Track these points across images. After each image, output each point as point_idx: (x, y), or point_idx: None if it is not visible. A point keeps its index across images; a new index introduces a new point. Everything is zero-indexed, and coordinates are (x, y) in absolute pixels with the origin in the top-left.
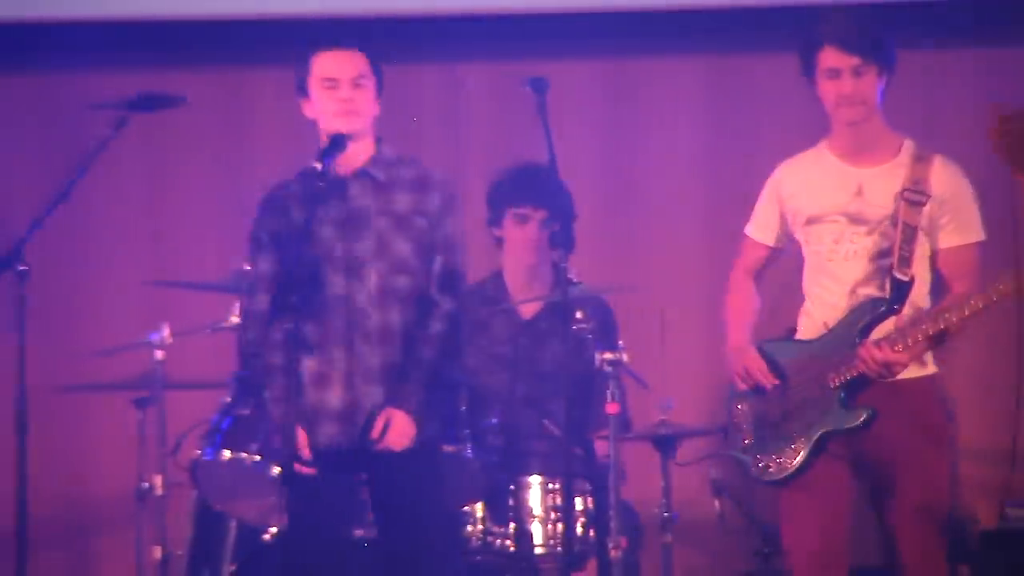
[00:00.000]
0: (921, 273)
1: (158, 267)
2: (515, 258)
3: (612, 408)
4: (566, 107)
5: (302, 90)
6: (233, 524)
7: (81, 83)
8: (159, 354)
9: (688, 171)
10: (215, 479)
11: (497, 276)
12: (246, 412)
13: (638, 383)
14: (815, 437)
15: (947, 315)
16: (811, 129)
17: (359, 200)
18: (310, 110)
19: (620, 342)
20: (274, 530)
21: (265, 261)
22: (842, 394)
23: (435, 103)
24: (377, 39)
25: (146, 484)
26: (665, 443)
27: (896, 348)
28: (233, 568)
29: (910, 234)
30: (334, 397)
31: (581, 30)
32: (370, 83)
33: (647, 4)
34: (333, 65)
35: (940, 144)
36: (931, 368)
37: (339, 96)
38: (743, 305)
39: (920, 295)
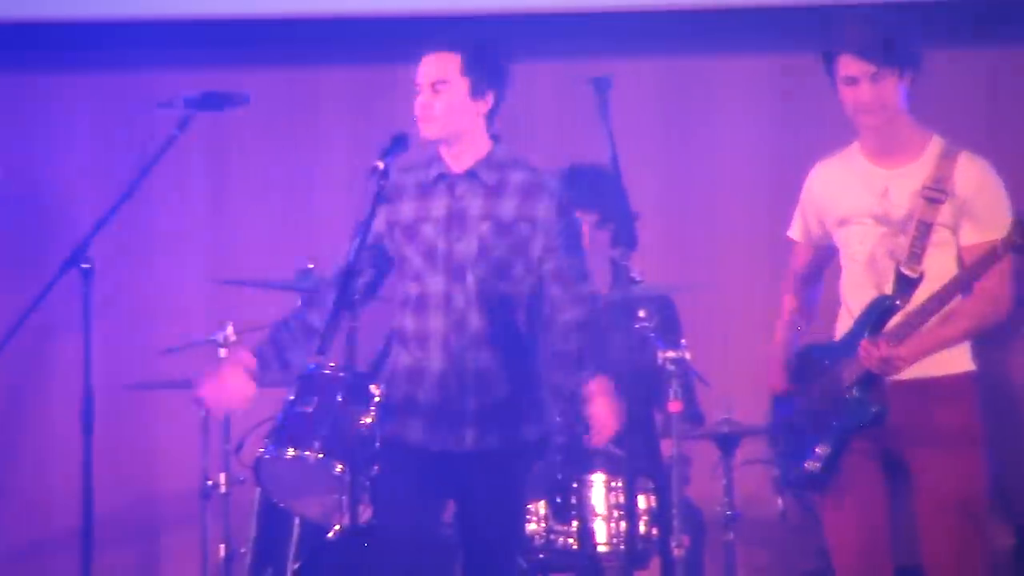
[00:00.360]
0: (937, 270)
1: (221, 266)
2: None
3: (674, 407)
4: (630, 106)
5: None
6: (297, 522)
7: (146, 82)
8: (223, 352)
9: (752, 170)
10: (278, 477)
11: None
12: (309, 410)
13: (700, 381)
14: (835, 435)
15: (930, 307)
16: None
17: (464, 201)
18: None
19: (683, 340)
20: (338, 527)
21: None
22: (855, 391)
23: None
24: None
25: (210, 482)
26: (727, 442)
27: (892, 344)
28: (296, 566)
29: (924, 231)
30: (424, 395)
31: (644, 29)
32: (454, 87)
33: (710, 4)
34: (418, 69)
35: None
36: (966, 366)
37: (418, 102)
38: (784, 308)
39: (924, 291)
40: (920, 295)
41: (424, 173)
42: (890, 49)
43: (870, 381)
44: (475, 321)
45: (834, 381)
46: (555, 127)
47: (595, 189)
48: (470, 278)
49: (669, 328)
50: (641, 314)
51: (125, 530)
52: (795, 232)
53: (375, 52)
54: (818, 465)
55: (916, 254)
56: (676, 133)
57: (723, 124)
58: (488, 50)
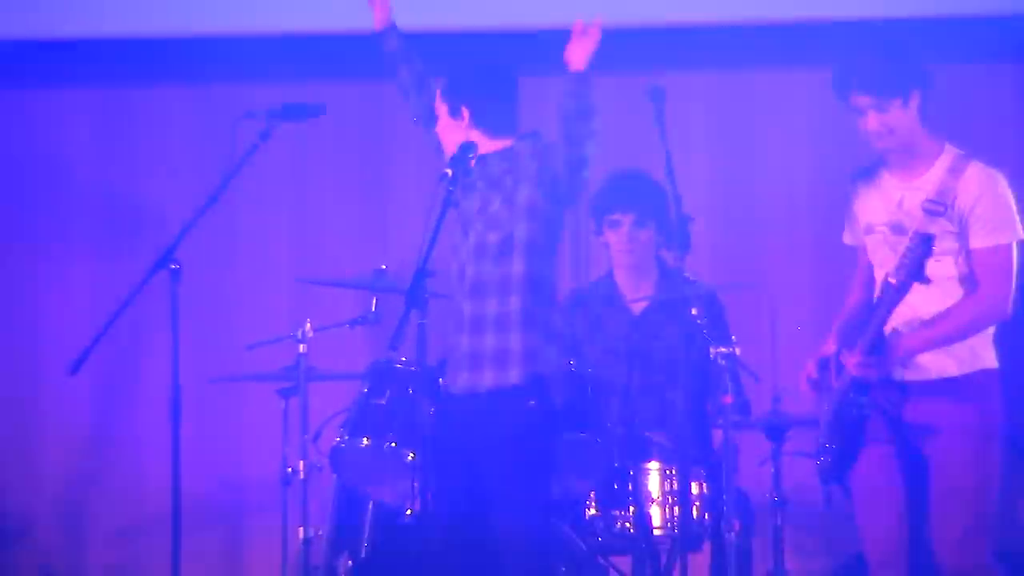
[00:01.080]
0: (937, 278)
1: (301, 267)
2: (617, 260)
3: (726, 399)
4: (683, 116)
5: None
6: (371, 506)
7: (232, 94)
8: (302, 347)
9: (798, 177)
10: (353, 464)
11: (609, 277)
12: (382, 402)
13: (749, 375)
14: (837, 432)
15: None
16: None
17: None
18: None
19: (732, 336)
20: (409, 511)
21: None
22: (851, 393)
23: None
24: (501, 53)
25: (290, 469)
26: (776, 431)
27: (866, 352)
28: (369, 547)
29: (921, 245)
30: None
31: (701, 42)
32: (440, 113)
33: (764, 18)
34: None
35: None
36: (984, 364)
37: None
38: (845, 307)
39: (926, 298)
40: (924, 303)
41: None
42: (889, 79)
43: (861, 384)
44: (470, 272)
45: (842, 382)
46: (616, 136)
47: (631, 192)
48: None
49: (719, 325)
50: (693, 312)
51: (211, 514)
52: (846, 237)
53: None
54: (828, 459)
55: (907, 266)
56: (726, 142)
57: (767, 132)
58: (457, 74)
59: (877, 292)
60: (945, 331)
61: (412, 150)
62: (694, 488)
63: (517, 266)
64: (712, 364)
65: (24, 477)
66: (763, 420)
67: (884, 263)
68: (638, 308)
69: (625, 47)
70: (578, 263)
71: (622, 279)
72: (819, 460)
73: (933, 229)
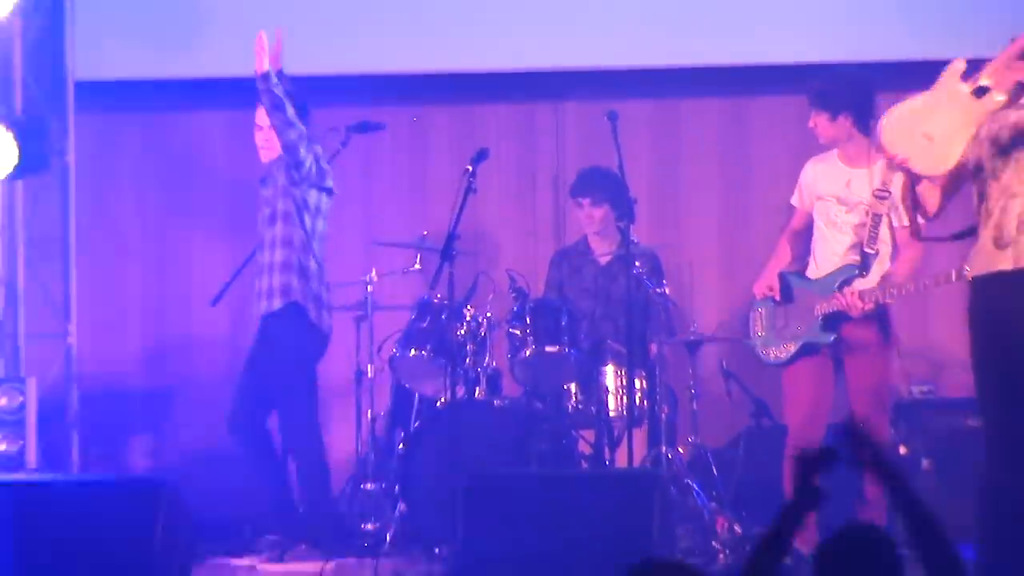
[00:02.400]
0: (885, 245)
1: (369, 233)
2: (587, 228)
3: (658, 325)
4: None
5: None
6: (416, 396)
7: (321, 116)
8: (369, 288)
9: (709, 181)
10: (404, 368)
11: (584, 239)
12: (424, 325)
13: (676, 307)
14: (801, 344)
15: (892, 291)
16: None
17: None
18: None
19: (664, 282)
20: (443, 399)
21: None
22: (822, 321)
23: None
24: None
25: (362, 370)
26: (693, 346)
27: (861, 299)
28: (417, 424)
29: (876, 220)
30: None
31: (702, 77)
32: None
33: (753, 62)
34: None
35: None
36: (885, 302)
37: None
38: (777, 257)
39: (884, 259)
40: (876, 267)
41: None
42: (821, 99)
43: (835, 316)
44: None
45: (809, 307)
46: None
47: (591, 183)
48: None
49: (656, 274)
50: (637, 264)
51: None
52: (795, 200)
53: (468, 95)
54: (784, 356)
55: (872, 237)
56: (657, 162)
57: (754, 145)
58: None
59: (836, 256)
60: (907, 272)
61: (444, 153)
62: (637, 383)
63: (278, 230)
64: (650, 299)
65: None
66: (683, 339)
67: (828, 224)
68: (603, 261)
69: (638, 82)
70: (559, 232)
71: (592, 241)
72: (778, 354)
73: (882, 208)
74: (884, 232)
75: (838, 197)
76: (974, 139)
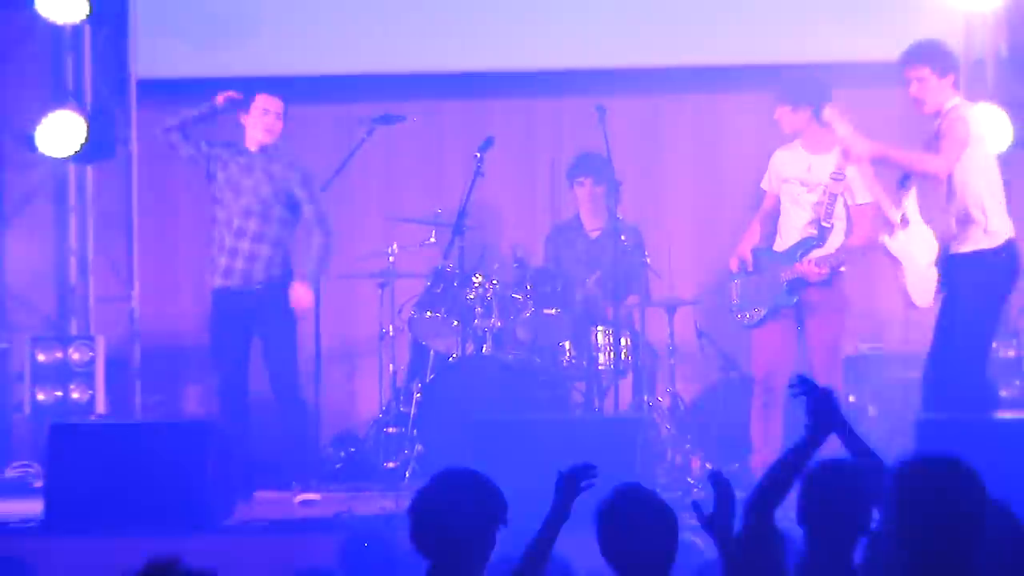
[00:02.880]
0: (839, 221)
1: (389, 207)
2: (582, 206)
3: (640, 291)
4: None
5: None
6: (432, 352)
7: (351, 110)
8: (391, 258)
9: (685, 166)
10: (421, 327)
11: (576, 216)
12: (439, 291)
13: (656, 275)
14: (769, 308)
15: (844, 257)
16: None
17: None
18: None
19: (646, 253)
20: (455, 354)
21: None
22: (786, 285)
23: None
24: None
25: (385, 329)
26: (671, 308)
27: (817, 266)
28: (432, 376)
29: (832, 199)
30: None
31: (684, 76)
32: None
33: (728, 62)
34: None
35: None
36: (840, 270)
37: None
38: (749, 235)
39: (840, 234)
40: (833, 237)
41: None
42: (783, 94)
43: (798, 282)
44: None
45: (775, 275)
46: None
47: (588, 165)
48: None
49: (639, 246)
50: (623, 238)
51: (338, 356)
52: (764, 184)
53: (477, 91)
54: (756, 319)
55: (828, 213)
56: (639, 159)
57: (730, 136)
58: None
59: (794, 231)
60: (861, 243)
61: (456, 141)
62: (622, 341)
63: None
64: (634, 268)
65: None
66: (663, 300)
67: (792, 203)
68: (594, 235)
69: (633, 80)
70: (555, 210)
71: (585, 217)
72: (753, 315)
73: (837, 189)
74: (839, 209)
75: (800, 179)
76: None
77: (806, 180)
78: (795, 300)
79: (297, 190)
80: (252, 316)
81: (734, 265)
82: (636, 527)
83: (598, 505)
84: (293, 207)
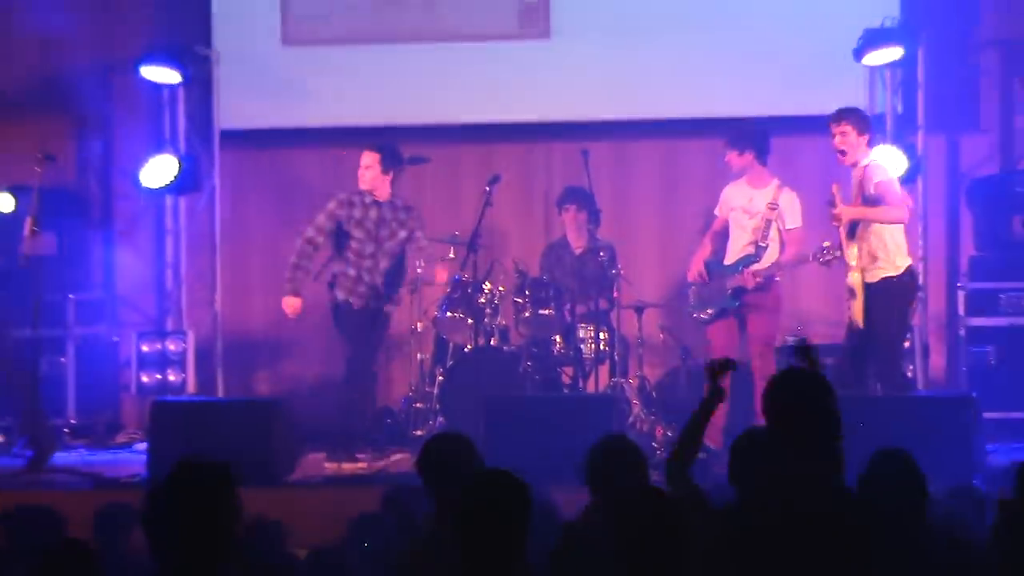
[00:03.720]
0: (773, 242)
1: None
2: (568, 228)
3: (615, 295)
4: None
5: None
6: (451, 344)
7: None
8: (420, 270)
9: (651, 197)
10: (443, 324)
11: (564, 236)
12: (457, 296)
13: (627, 283)
14: (718, 309)
15: (777, 270)
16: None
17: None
18: None
19: (619, 266)
20: (469, 346)
21: None
22: (730, 292)
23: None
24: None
25: (414, 326)
26: (639, 310)
27: (754, 276)
28: (451, 363)
29: (767, 224)
30: None
31: (648, 127)
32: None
33: (686, 115)
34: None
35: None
36: (775, 279)
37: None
38: (702, 250)
39: (773, 252)
40: (767, 256)
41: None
42: (732, 140)
43: (740, 289)
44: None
45: (723, 284)
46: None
47: (574, 196)
48: None
49: (613, 261)
50: (601, 254)
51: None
52: (717, 211)
53: (486, 138)
54: (708, 317)
55: (764, 235)
56: (615, 196)
57: (683, 173)
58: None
59: (737, 252)
60: (791, 259)
61: (470, 178)
62: (601, 335)
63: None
64: (610, 278)
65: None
66: (633, 303)
67: (737, 227)
68: (578, 251)
69: (608, 130)
70: (548, 232)
71: (571, 237)
72: (705, 315)
73: (772, 216)
74: (774, 232)
75: (743, 208)
76: None
77: (747, 209)
78: (738, 303)
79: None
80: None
81: (691, 276)
82: (616, 461)
83: (589, 448)
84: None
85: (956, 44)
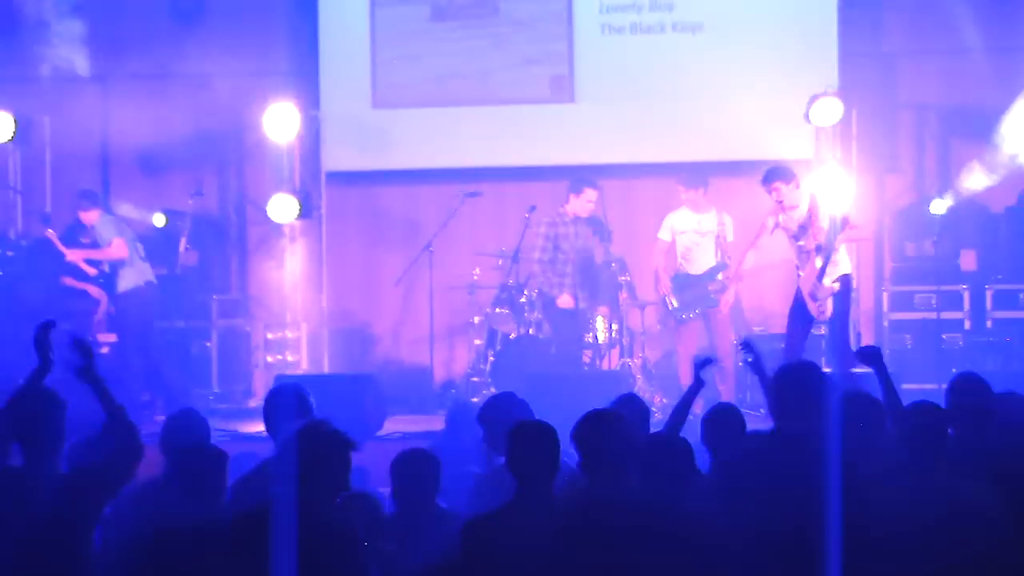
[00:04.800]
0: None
1: (477, 246)
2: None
3: (623, 295)
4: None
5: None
6: (499, 333)
7: (453, 188)
8: (476, 276)
9: (646, 226)
10: (494, 318)
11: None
12: (504, 296)
13: (633, 286)
14: (701, 309)
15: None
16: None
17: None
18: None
19: (628, 273)
20: (513, 335)
21: None
22: (712, 294)
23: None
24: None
25: (472, 319)
26: (642, 306)
27: (734, 278)
28: (500, 347)
29: (722, 239)
30: None
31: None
32: None
33: (645, 160)
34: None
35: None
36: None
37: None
38: (664, 270)
39: (704, 262)
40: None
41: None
42: (685, 181)
43: (719, 291)
44: None
45: (704, 288)
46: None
47: (596, 223)
48: None
49: (623, 269)
50: (613, 265)
51: (448, 335)
52: (666, 235)
53: (526, 177)
54: (687, 316)
55: (722, 248)
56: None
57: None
58: None
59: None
60: (739, 266)
61: (512, 207)
62: (613, 326)
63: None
64: (620, 282)
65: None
66: (638, 302)
67: (694, 245)
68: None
69: (618, 171)
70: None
71: (593, 254)
72: (685, 316)
73: (721, 232)
74: (709, 249)
75: (695, 230)
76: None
77: (698, 230)
78: (700, 311)
79: None
80: None
81: (664, 290)
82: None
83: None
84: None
85: (881, 106)
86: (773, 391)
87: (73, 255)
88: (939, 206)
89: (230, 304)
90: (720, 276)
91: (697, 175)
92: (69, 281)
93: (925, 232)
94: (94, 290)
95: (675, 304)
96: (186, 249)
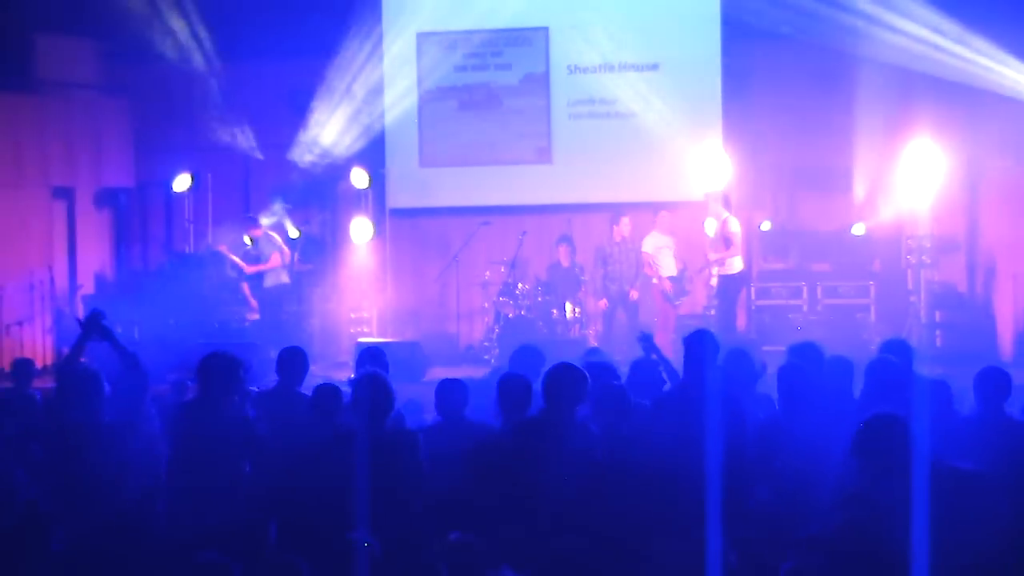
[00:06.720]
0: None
1: (491, 258)
2: (561, 256)
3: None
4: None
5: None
6: (503, 313)
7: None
8: (487, 277)
9: (601, 237)
10: (499, 304)
11: (558, 262)
12: (518, 292)
13: (592, 284)
14: (682, 298)
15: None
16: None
17: None
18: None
19: (585, 276)
20: (511, 315)
21: None
22: (687, 290)
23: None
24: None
25: (485, 304)
26: (597, 297)
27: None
28: (502, 323)
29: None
30: None
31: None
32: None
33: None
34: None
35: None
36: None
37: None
38: (662, 274)
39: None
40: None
41: None
42: (655, 211)
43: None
44: None
45: (682, 284)
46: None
47: (567, 239)
48: None
49: (582, 271)
50: (577, 269)
51: (469, 316)
52: (646, 248)
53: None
54: (680, 303)
55: (680, 258)
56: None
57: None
58: None
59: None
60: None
61: (514, 233)
62: (576, 309)
63: None
64: (580, 281)
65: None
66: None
67: (667, 257)
68: (566, 266)
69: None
70: (553, 259)
71: (563, 261)
72: (676, 302)
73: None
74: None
75: (667, 246)
76: None
77: (669, 247)
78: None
79: None
80: None
81: (667, 288)
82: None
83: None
84: None
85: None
86: (684, 352)
87: (249, 269)
88: (767, 225)
89: (325, 295)
90: (695, 274)
91: (653, 208)
92: (245, 287)
93: (779, 248)
94: (247, 289)
95: (671, 295)
96: (297, 262)
